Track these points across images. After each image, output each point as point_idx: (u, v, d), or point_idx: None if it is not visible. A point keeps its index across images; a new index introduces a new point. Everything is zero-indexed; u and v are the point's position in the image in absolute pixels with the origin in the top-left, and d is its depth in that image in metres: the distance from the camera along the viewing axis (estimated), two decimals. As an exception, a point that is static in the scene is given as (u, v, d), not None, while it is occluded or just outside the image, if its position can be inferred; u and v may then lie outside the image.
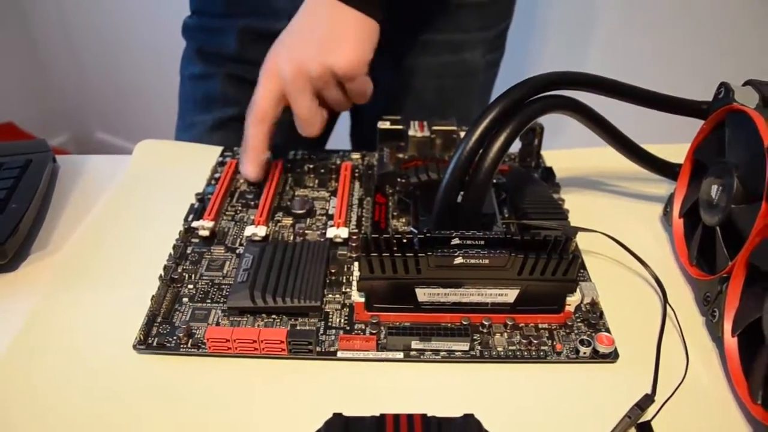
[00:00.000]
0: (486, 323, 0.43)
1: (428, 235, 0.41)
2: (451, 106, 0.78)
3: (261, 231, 0.50)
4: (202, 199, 0.55)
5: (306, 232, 0.52)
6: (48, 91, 1.97)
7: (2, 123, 1.77)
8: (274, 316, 0.44)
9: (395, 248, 0.41)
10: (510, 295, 0.42)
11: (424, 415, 0.34)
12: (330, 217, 0.54)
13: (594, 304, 0.45)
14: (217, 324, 0.43)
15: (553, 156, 0.62)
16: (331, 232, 0.50)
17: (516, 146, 0.49)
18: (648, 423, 0.37)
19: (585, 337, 0.42)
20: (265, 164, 0.57)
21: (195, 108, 0.80)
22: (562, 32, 1.25)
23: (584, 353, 0.41)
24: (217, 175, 0.59)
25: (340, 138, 0.90)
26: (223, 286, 0.46)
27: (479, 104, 0.82)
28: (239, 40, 0.73)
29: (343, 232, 0.50)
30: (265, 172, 0.57)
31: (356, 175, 0.60)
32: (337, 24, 0.53)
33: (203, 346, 0.41)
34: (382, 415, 0.34)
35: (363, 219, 0.53)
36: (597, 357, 0.41)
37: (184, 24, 0.78)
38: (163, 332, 0.42)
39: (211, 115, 0.78)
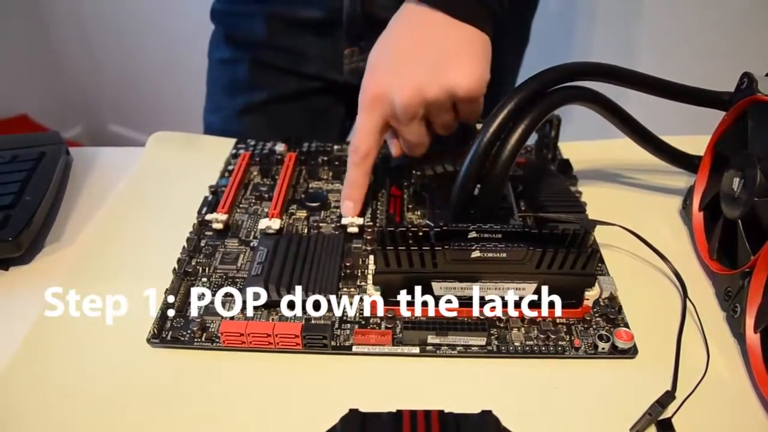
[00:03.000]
0: (503, 318, 0.42)
1: (445, 228, 0.40)
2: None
3: (275, 224, 0.50)
4: (215, 191, 0.55)
5: (320, 224, 0.52)
6: (62, 83, 1.97)
7: (16, 115, 1.78)
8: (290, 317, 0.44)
9: (411, 242, 0.40)
10: (528, 289, 0.42)
11: (441, 412, 0.33)
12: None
13: (612, 299, 0.44)
14: (232, 317, 0.43)
15: (569, 148, 0.62)
16: (345, 220, 0.50)
17: (532, 138, 0.49)
18: (669, 420, 0.36)
19: (604, 333, 0.41)
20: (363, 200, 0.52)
21: (223, 92, 0.80)
22: (584, 23, 1.24)
23: (603, 349, 0.41)
24: (230, 168, 0.59)
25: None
26: (237, 280, 0.46)
27: (503, 93, 0.82)
28: (267, 25, 0.73)
29: (358, 220, 0.50)
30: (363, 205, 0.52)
31: (371, 167, 0.59)
32: (450, 42, 0.48)
33: (217, 340, 0.41)
34: (399, 411, 0.33)
35: (378, 212, 0.53)
36: (616, 353, 0.41)
37: (213, 8, 0.78)
38: (177, 326, 0.42)
39: (239, 99, 0.78)
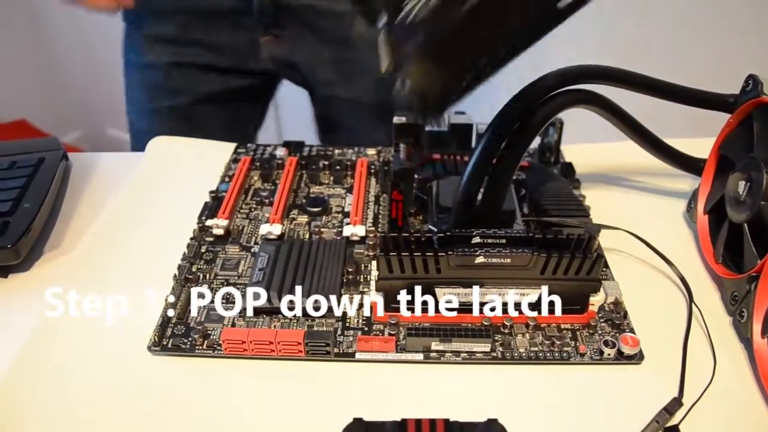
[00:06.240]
0: (507, 324, 0.42)
1: (448, 233, 0.40)
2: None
3: (276, 229, 0.50)
4: (216, 196, 0.55)
5: (322, 230, 0.51)
6: (60, 87, 1.97)
7: (15, 120, 1.77)
8: (290, 317, 0.43)
9: (414, 247, 0.40)
10: (532, 294, 0.41)
11: (446, 420, 0.33)
12: (346, 214, 0.53)
13: (617, 304, 0.44)
14: (233, 325, 0.43)
15: (572, 151, 0.61)
16: (347, 231, 0.49)
17: (535, 142, 0.48)
18: (676, 427, 0.36)
19: (609, 338, 0.41)
20: None
21: (143, 95, 0.80)
22: (586, 26, 1.23)
23: (609, 354, 0.40)
24: (231, 172, 0.58)
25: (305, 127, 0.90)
26: (239, 286, 0.46)
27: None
28: (181, 20, 0.74)
29: (359, 230, 0.49)
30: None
31: (372, 171, 0.58)
32: None
33: (219, 348, 0.41)
34: (404, 420, 0.33)
35: (380, 216, 0.53)
36: (622, 358, 0.40)
37: (125, 9, 0.77)
38: (178, 333, 0.42)
39: (159, 102, 0.79)
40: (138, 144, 0.82)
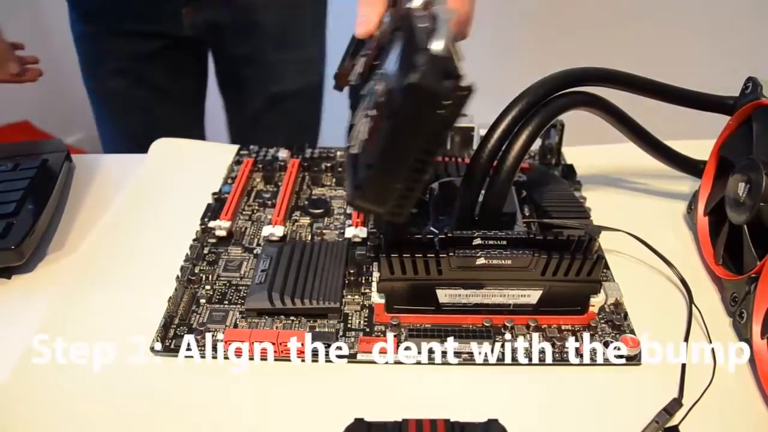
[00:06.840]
0: (508, 325, 0.42)
1: (449, 235, 0.40)
2: (288, 35, 0.85)
3: (278, 231, 0.50)
4: (218, 198, 0.55)
5: (324, 231, 0.51)
6: (63, 89, 1.96)
7: (18, 121, 1.78)
8: (292, 318, 0.43)
9: (416, 249, 0.40)
10: (533, 296, 0.42)
11: (447, 421, 0.33)
12: (348, 216, 0.53)
13: (618, 305, 0.44)
14: (235, 326, 0.43)
15: (573, 153, 0.61)
16: (349, 232, 0.50)
17: (536, 144, 0.48)
18: (676, 427, 0.36)
19: (609, 339, 0.41)
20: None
21: (91, 61, 0.88)
22: (586, 28, 1.23)
23: (609, 355, 0.40)
24: (233, 174, 0.58)
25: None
26: (241, 287, 0.46)
27: (313, 35, 0.90)
28: None
29: (361, 232, 0.49)
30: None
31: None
32: None
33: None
34: (405, 420, 0.33)
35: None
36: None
37: None
38: (180, 334, 0.42)
39: (108, 65, 0.85)
40: (95, 102, 0.91)
